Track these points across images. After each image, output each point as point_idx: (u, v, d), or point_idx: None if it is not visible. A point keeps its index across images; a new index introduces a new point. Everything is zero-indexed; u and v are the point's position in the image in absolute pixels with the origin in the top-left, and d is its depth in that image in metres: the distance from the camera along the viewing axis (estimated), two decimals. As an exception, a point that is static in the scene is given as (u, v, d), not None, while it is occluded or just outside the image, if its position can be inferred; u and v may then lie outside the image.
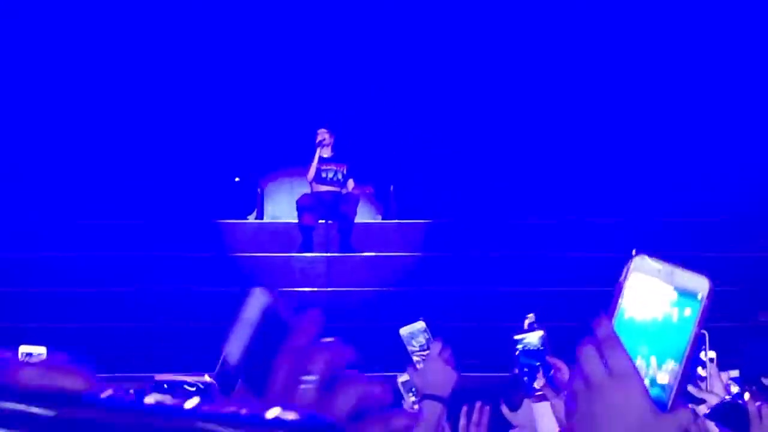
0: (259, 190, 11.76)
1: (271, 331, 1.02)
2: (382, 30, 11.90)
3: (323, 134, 10.60)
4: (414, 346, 3.07)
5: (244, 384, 1.04)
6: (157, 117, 11.57)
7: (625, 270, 1.11)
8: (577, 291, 9.55)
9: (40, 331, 8.26)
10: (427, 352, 3.02)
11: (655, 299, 1.08)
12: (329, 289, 9.85)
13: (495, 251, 10.19)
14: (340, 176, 10.55)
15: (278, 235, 10.69)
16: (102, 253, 9.96)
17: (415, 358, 3.04)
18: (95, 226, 10.38)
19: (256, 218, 11.58)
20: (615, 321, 1.09)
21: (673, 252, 8.68)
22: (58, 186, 10.98)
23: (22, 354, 3.47)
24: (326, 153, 10.62)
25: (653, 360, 1.07)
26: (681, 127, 11.51)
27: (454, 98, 11.76)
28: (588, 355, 1.06)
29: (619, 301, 1.10)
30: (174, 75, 11.70)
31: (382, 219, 11.62)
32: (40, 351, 3.51)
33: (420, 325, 3.10)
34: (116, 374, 7.65)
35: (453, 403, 2.96)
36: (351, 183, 10.58)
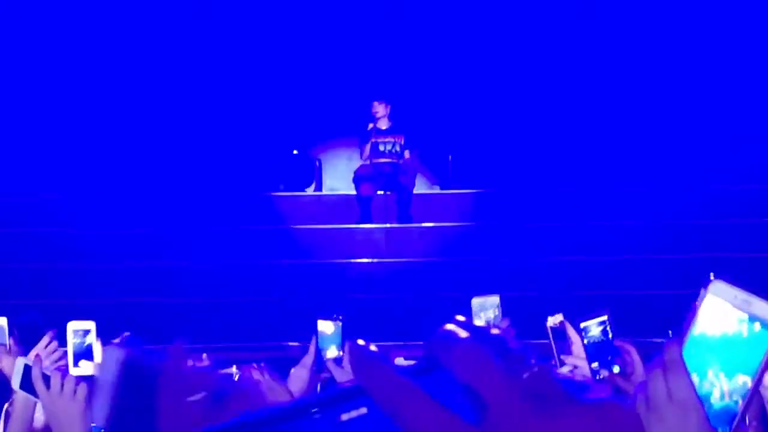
0: (317, 162, 11.80)
1: (137, 381, 1.01)
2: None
3: (377, 107, 10.57)
4: (481, 319, 3.00)
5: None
6: (217, 90, 11.64)
7: (701, 294, 1.12)
8: (634, 259, 9.49)
9: (98, 307, 8.40)
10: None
11: (729, 323, 1.09)
12: (388, 260, 9.86)
13: (553, 221, 10.13)
14: (398, 148, 10.53)
15: (336, 206, 10.72)
16: (164, 227, 10.05)
17: None
18: (156, 200, 10.48)
19: (314, 191, 11.62)
20: (686, 343, 1.10)
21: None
22: (114, 160, 11.10)
23: (71, 330, 3.54)
24: (383, 124, 10.60)
25: (722, 378, 1.08)
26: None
27: (512, 64, 11.68)
28: (653, 377, 1.08)
29: (693, 323, 1.11)
30: (232, 47, 11.75)
31: (440, 189, 11.60)
32: (89, 326, 3.57)
33: (494, 299, 3.03)
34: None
35: None
36: (407, 153, 10.56)
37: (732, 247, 9.57)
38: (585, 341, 2.96)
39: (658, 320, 8.62)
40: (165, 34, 11.68)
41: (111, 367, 1.04)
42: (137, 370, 1.01)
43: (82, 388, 2.55)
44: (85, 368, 3.58)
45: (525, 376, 0.73)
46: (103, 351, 1.06)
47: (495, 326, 2.95)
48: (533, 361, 0.73)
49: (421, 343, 7.54)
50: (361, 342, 0.72)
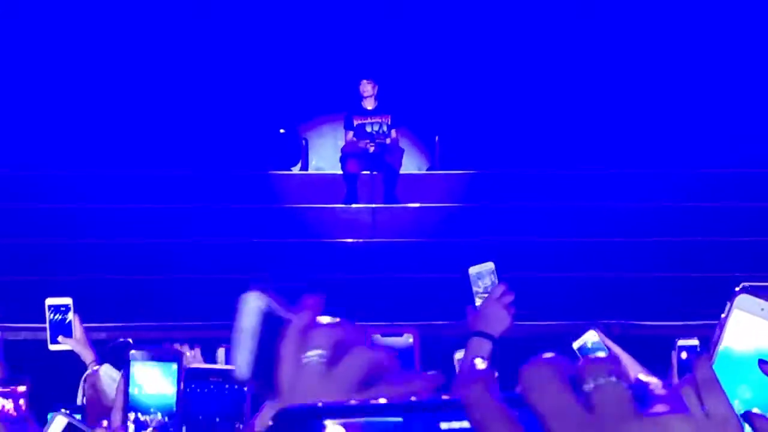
0: (303, 141, 11.76)
1: (272, 333, 1.01)
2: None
3: (366, 86, 10.53)
4: (479, 287, 3.09)
5: (257, 388, 1.03)
6: (204, 69, 11.58)
7: (727, 307, 1.09)
8: (623, 242, 9.50)
9: (79, 283, 8.38)
10: None
11: (757, 337, 1.06)
12: (374, 240, 9.86)
13: (540, 201, 10.14)
14: (384, 128, 10.50)
15: (323, 186, 10.70)
16: (146, 204, 10.02)
17: (477, 300, 3.05)
18: (140, 177, 10.44)
19: (300, 170, 11.59)
20: (715, 358, 1.07)
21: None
22: (101, 135, 11.04)
23: (48, 306, 3.52)
24: (370, 104, 10.57)
25: (753, 394, 1.05)
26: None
27: (499, 45, 11.64)
28: (686, 396, 1.05)
29: (721, 338, 1.08)
30: (219, 25, 11.69)
31: (428, 170, 11.58)
32: (66, 302, 3.55)
33: (489, 266, 3.11)
34: (162, 323, 7.74)
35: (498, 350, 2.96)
36: (394, 132, 10.54)
37: (726, 232, 9.58)
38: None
39: (647, 303, 8.66)
40: (152, 11, 11.60)
41: (253, 315, 1.03)
42: (274, 319, 1.02)
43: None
44: (64, 344, 3.56)
45: (587, 388, 0.74)
46: (243, 298, 1.04)
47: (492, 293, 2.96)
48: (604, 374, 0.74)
49: (405, 323, 7.54)
50: (479, 363, 0.76)
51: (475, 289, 3.07)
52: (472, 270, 3.09)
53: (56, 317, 3.52)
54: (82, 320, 3.66)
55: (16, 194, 10.12)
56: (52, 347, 3.51)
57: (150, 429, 2.02)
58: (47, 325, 3.50)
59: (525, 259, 9.05)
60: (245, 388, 1.56)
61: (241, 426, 1.54)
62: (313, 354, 0.94)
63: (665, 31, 11.52)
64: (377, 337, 1.72)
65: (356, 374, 0.92)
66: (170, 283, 8.93)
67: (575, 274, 8.90)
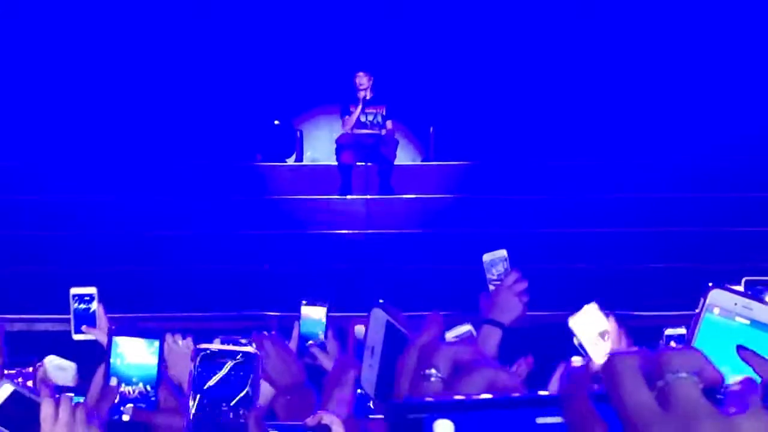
0: (298, 132, 11.76)
1: (394, 346, 1.02)
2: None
3: (362, 78, 10.52)
4: (492, 274, 3.11)
5: (379, 399, 1.04)
6: (198, 59, 11.57)
7: (701, 302, 1.10)
8: (618, 232, 9.52)
9: (73, 275, 8.37)
10: None
11: (731, 331, 1.08)
12: (369, 231, 9.87)
13: (535, 193, 10.15)
14: (379, 119, 10.51)
15: (317, 177, 10.71)
16: (140, 196, 10.02)
17: (491, 287, 3.07)
18: (134, 169, 10.43)
19: (295, 161, 11.59)
20: None
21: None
22: (99, 128, 11.04)
23: (73, 296, 3.49)
24: (366, 96, 10.57)
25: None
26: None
27: (494, 36, 11.64)
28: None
29: (695, 333, 1.10)
30: (213, 15, 11.68)
31: (422, 161, 11.59)
32: (91, 291, 3.53)
33: (501, 253, 3.13)
34: (158, 314, 7.74)
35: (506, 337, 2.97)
36: (390, 123, 10.54)
37: (722, 222, 9.60)
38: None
39: (643, 294, 8.68)
40: (148, 3, 11.59)
41: (379, 331, 1.05)
42: (396, 333, 1.03)
43: (81, 411, 2.50)
44: (88, 333, 3.55)
45: (661, 383, 0.75)
46: (371, 316, 1.06)
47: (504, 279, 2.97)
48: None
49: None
50: (577, 360, 0.79)
51: (488, 276, 3.09)
52: (486, 257, 3.12)
53: (80, 307, 3.49)
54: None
55: (13, 186, 10.12)
56: (76, 337, 3.50)
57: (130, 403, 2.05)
58: (71, 314, 3.47)
59: (519, 250, 9.06)
60: (251, 375, 1.57)
61: (245, 412, 1.54)
62: (431, 372, 0.94)
63: (661, 21, 11.53)
64: (360, 328, 1.73)
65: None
66: (166, 274, 8.93)
67: (569, 265, 8.92)
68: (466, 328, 3.22)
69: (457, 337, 3.50)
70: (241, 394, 1.55)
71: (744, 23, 11.36)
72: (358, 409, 1.72)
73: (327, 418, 1.73)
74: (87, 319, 3.50)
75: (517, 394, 0.82)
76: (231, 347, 1.57)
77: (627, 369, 0.77)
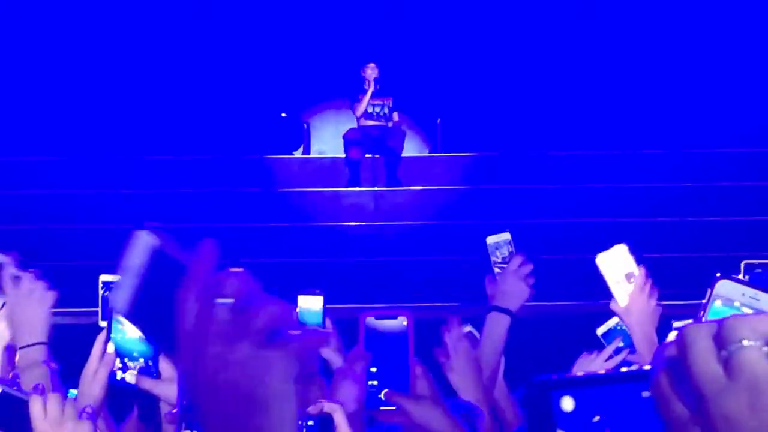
0: (305, 125, 11.76)
1: (163, 274, 0.99)
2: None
3: (373, 69, 10.51)
4: (497, 257, 3.10)
5: (144, 333, 1.01)
6: (205, 52, 11.57)
7: (708, 292, 1.10)
8: (626, 222, 9.51)
9: (87, 269, 8.35)
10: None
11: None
12: (377, 223, 9.87)
13: (542, 183, 10.14)
14: (386, 110, 10.51)
15: (325, 169, 10.71)
16: (147, 190, 10.03)
17: (495, 270, 3.04)
18: (142, 162, 10.45)
19: (302, 153, 11.59)
20: None
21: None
22: (101, 122, 11.05)
23: (102, 283, 3.51)
24: (372, 87, 10.56)
25: None
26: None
27: (501, 27, 11.62)
28: None
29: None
30: (220, 7, 11.67)
31: (429, 152, 11.58)
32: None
33: (505, 236, 3.12)
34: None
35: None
36: (396, 116, 10.53)
37: (727, 212, 9.59)
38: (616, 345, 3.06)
39: (662, 285, 8.65)
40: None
41: (140, 253, 1.02)
42: (166, 260, 1.00)
43: (51, 295, 2.52)
44: None
45: (725, 354, 0.75)
46: (134, 236, 1.02)
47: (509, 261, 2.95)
48: None
49: (407, 305, 7.55)
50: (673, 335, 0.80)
51: (492, 259, 3.09)
52: (489, 240, 3.11)
53: (108, 294, 3.52)
54: (81, 305, 3.63)
55: (11, 180, 10.12)
56: (103, 323, 3.52)
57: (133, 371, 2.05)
58: (99, 301, 3.49)
59: (527, 241, 9.06)
60: None
61: None
62: (224, 301, 0.91)
63: (671, 10, 11.50)
64: (371, 320, 1.72)
65: (262, 324, 0.90)
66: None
67: (578, 255, 8.90)
68: (465, 329, 3.21)
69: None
70: None
71: (758, 17, 11.33)
72: (369, 400, 1.72)
73: (329, 407, 1.73)
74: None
75: (625, 369, 0.87)
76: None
77: (697, 338, 0.76)
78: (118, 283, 1.02)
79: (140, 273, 1.00)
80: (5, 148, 10.66)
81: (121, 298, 1.01)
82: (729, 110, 11.12)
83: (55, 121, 11.01)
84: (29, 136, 10.86)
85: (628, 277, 2.75)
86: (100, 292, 3.51)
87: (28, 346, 2.43)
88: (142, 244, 1.02)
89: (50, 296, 2.52)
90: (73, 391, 2.83)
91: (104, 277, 3.56)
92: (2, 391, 0.95)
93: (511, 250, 3.07)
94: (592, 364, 3.08)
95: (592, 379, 0.84)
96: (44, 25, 11.32)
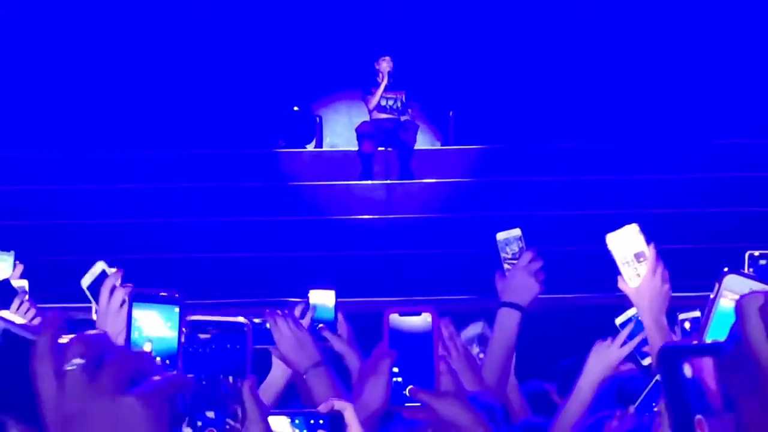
0: (317, 118, 11.77)
1: (18, 355, 0.99)
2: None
3: (388, 62, 10.49)
4: (507, 253, 3.08)
5: (3, 412, 1.01)
6: (217, 45, 11.58)
7: (716, 287, 1.10)
8: (641, 213, 9.49)
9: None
10: None
11: None
12: (389, 216, 9.87)
13: (554, 175, 10.13)
14: (399, 104, 10.50)
15: (337, 163, 10.71)
16: (161, 185, 10.05)
17: (506, 266, 3.05)
18: (155, 156, 10.47)
19: (314, 147, 11.60)
20: (705, 338, 1.09)
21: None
22: (113, 116, 11.07)
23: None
24: (385, 80, 10.55)
25: None
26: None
27: (514, 19, 11.61)
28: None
29: (710, 318, 1.10)
30: (231, 1, 11.68)
31: (442, 145, 11.58)
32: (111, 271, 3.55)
33: (516, 232, 3.11)
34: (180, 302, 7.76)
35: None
36: (410, 111, 10.51)
37: (736, 203, 9.57)
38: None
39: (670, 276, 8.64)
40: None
41: None
42: (15, 339, 1.01)
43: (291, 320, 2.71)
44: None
45: None
46: None
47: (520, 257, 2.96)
48: None
49: (421, 298, 7.55)
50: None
51: (502, 255, 3.07)
52: (500, 236, 3.10)
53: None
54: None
55: (14, 176, 10.15)
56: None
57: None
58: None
59: (540, 232, 9.05)
60: (243, 345, 1.55)
61: (240, 383, 1.53)
62: (75, 363, 0.95)
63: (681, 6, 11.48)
64: (395, 317, 1.73)
65: (120, 374, 0.95)
66: (186, 262, 8.97)
67: (590, 247, 8.89)
68: (477, 329, 3.22)
69: (468, 339, 3.50)
70: (235, 365, 1.53)
71: (751, 9, 11.29)
72: (393, 397, 1.73)
73: (339, 405, 1.74)
74: None
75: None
76: (219, 318, 1.55)
77: (755, 307, 0.79)
78: None
79: None
80: (13, 143, 10.70)
81: None
82: (735, 101, 11.09)
83: (66, 117, 11.04)
84: (48, 131, 10.89)
85: (638, 256, 2.74)
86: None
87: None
88: None
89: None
90: None
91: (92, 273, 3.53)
92: (3, 329, 0.94)
93: (521, 245, 3.07)
94: (608, 352, 3.08)
95: (708, 347, 0.91)
96: (52, 13, 11.34)
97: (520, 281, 2.96)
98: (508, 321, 2.92)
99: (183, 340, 1.52)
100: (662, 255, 2.73)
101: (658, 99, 11.25)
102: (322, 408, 1.75)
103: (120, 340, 2.46)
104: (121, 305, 2.55)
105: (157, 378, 0.96)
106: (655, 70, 11.37)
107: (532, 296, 2.96)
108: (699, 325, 1.10)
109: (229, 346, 1.52)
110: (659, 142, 10.66)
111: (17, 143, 10.71)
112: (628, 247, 2.74)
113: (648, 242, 2.75)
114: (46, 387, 0.96)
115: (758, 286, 1.07)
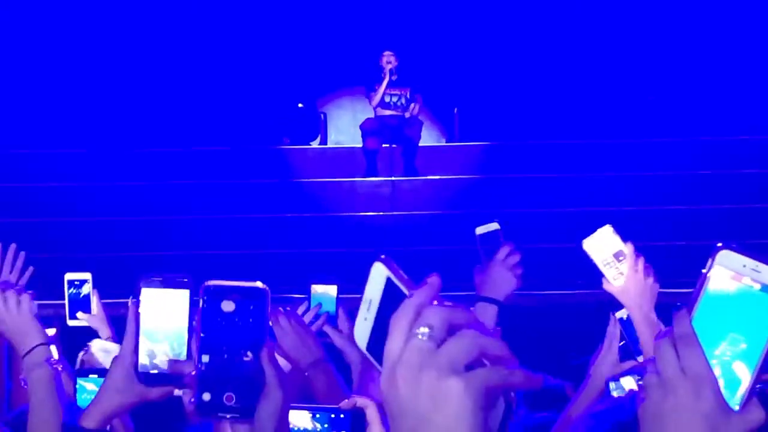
0: (322, 115, 11.76)
1: (392, 303, 1.01)
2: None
3: (389, 57, 10.47)
4: (486, 248, 3.06)
5: (372, 358, 1.02)
6: (221, 42, 11.57)
7: (708, 262, 1.09)
8: (642, 211, 9.49)
9: (104, 260, 8.42)
10: None
11: (739, 292, 1.06)
12: (394, 213, 9.87)
13: (557, 172, 10.12)
14: (403, 100, 10.48)
15: (342, 159, 10.71)
16: (167, 181, 10.05)
17: (484, 260, 3.03)
18: (159, 155, 10.47)
19: (319, 144, 11.60)
20: (695, 314, 1.07)
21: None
22: (116, 112, 11.08)
23: (67, 281, 3.48)
24: (388, 77, 10.53)
25: (733, 349, 1.05)
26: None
27: (519, 15, 11.59)
28: (663, 349, 1.05)
29: (702, 293, 1.08)
30: (234, 1, 11.68)
31: (446, 142, 11.57)
32: (85, 277, 3.52)
33: (494, 226, 3.08)
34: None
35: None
36: (415, 108, 10.47)
37: (736, 200, 9.56)
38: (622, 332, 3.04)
39: (667, 273, 8.64)
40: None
41: (378, 285, 1.04)
42: (396, 291, 1.03)
43: (25, 299, 2.52)
44: (82, 320, 3.53)
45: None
46: (372, 268, 1.05)
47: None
48: None
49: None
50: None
51: (482, 249, 3.05)
52: (479, 230, 3.08)
53: (74, 292, 3.48)
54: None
55: (14, 173, 10.16)
56: (71, 323, 3.48)
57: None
58: (66, 300, 3.45)
59: (544, 230, 9.06)
60: (263, 311, 1.49)
61: (260, 352, 1.48)
62: (422, 331, 0.94)
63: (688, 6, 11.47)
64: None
65: (459, 357, 0.93)
66: (194, 259, 8.97)
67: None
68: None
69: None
70: (256, 334, 1.48)
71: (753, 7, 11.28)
72: None
73: (362, 402, 1.73)
74: (81, 304, 3.48)
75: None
76: (238, 283, 1.49)
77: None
78: (359, 316, 1.04)
79: (375, 306, 1.03)
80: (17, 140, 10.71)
81: (359, 335, 1.04)
82: (727, 99, 11.07)
83: (71, 115, 11.05)
84: (61, 128, 10.90)
85: (617, 256, 2.75)
86: (66, 290, 3.47)
87: (27, 353, 2.43)
88: (379, 275, 1.04)
89: (25, 299, 2.51)
90: (82, 382, 2.82)
91: (69, 276, 3.51)
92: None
93: (500, 240, 3.05)
94: (609, 366, 3.06)
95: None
96: (72, 14, 11.36)
97: (497, 275, 2.94)
98: (484, 315, 2.88)
99: (203, 306, 1.46)
100: (661, 251, 2.75)
101: (660, 96, 11.24)
102: (344, 405, 1.74)
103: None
104: (4, 302, 2.50)
105: (495, 369, 0.93)
106: (656, 66, 11.36)
107: (508, 291, 2.93)
108: (689, 300, 1.09)
109: (250, 313, 1.46)
110: (665, 137, 10.65)
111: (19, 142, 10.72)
112: (605, 248, 2.76)
113: (624, 240, 2.76)
114: (394, 342, 0.95)
115: (752, 263, 1.06)
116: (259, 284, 1.49)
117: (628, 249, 2.75)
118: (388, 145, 10.48)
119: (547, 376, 3.31)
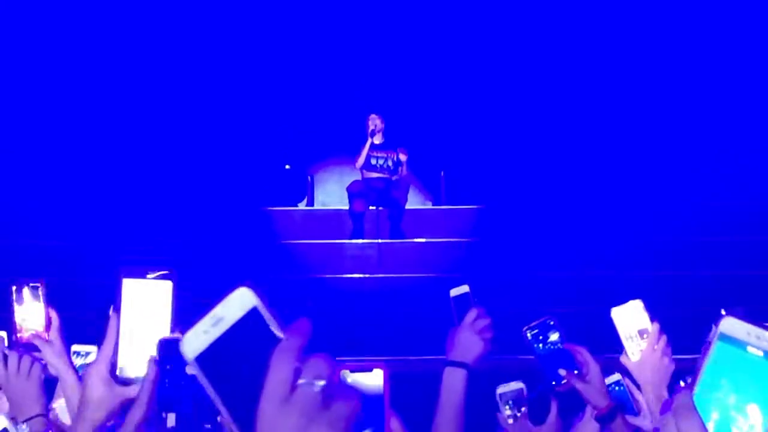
0: (309, 177, 11.78)
1: (252, 335, 0.98)
2: (432, 15, 11.86)
3: (375, 120, 10.53)
4: (459, 310, 3.07)
5: (200, 370, 0.98)
6: (210, 105, 11.63)
7: (713, 330, 1.08)
8: (636, 275, 9.48)
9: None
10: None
11: (743, 360, 1.06)
12: (380, 275, 9.85)
13: (545, 236, 10.13)
14: (390, 163, 10.52)
15: (329, 221, 10.71)
16: (153, 242, 10.02)
17: (457, 322, 3.02)
18: (147, 213, 10.46)
19: (306, 206, 11.60)
20: (700, 381, 1.07)
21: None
22: (104, 173, 11.08)
23: (74, 353, 3.43)
24: (377, 139, 10.59)
25: (740, 417, 1.05)
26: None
27: (505, 81, 11.69)
28: (666, 423, 1.05)
29: (706, 361, 1.08)
30: (223, 59, 11.75)
31: (433, 205, 11.59)
32: (89, 350, 3.49)
33: (464, 288, 3.10)
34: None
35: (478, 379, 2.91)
36: (404, 170, 10.50)
37: (736, 264, 9.57)
38: (539, 346, 3.03)
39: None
40: (159, 45, 11.67)
41: (237, 307, 1.05)
42: (260, 325, 1.03)
43: (37, 368, 2.51)
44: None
45: None
46: (236, 289, 1.07)
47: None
48: None
49: (411, 358, 7.48)
50: None
51: (455, 312, 3.05)
52: (452, 292, 3.08)
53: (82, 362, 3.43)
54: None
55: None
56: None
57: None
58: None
59: (531, 293, 9.04)
60: None
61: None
62: (314, 383, 0.92)
63: (669, 67, 11.58)
64: (346, 373, 1.69)
65: (346, 419, 0.91)
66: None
67: (584, 307, 8.87)
68: (514, 386, 3.16)
69: (501, 395, 3.41)
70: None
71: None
72: None
73: None
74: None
75: None
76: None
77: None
78: (199, 324, 1.01)
79: (227, 327, 1.01)
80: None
81: (194, 344, 0.99)
82: (724, 157, 11.15)
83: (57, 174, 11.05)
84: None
85: (641, 333, 2.76)
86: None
87: (26, 420, 2.43)
88: (242, 300, 1.05)
89: (37, 369, 2.51)
90: None
91: (75, 348, 3.48)
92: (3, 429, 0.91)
93: (471, 303, 3.05)
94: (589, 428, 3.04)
95: None
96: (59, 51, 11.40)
97: (465, 339, 2.92)
98: (453, 380, 2.86)
99: (152, 366, 1.41)
100: (668, 318, 2.75)
101: (652, 156, 11.30)
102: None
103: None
104: (19, 367, 2.52)
105: None
106: (647, 126, 11.44)
107: (476, 354, 2.90)
108: (695, 367, 1.08)
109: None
110: (653, 197, 10.69)
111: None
112: (631, 322, 2.78)
113: (652, 320, 2.78)
114: (274, 389, 0.93)
115: (756, 330, 1.06)
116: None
117: (653, 328, 2.77)
118: (374, 208, 10.49)
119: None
